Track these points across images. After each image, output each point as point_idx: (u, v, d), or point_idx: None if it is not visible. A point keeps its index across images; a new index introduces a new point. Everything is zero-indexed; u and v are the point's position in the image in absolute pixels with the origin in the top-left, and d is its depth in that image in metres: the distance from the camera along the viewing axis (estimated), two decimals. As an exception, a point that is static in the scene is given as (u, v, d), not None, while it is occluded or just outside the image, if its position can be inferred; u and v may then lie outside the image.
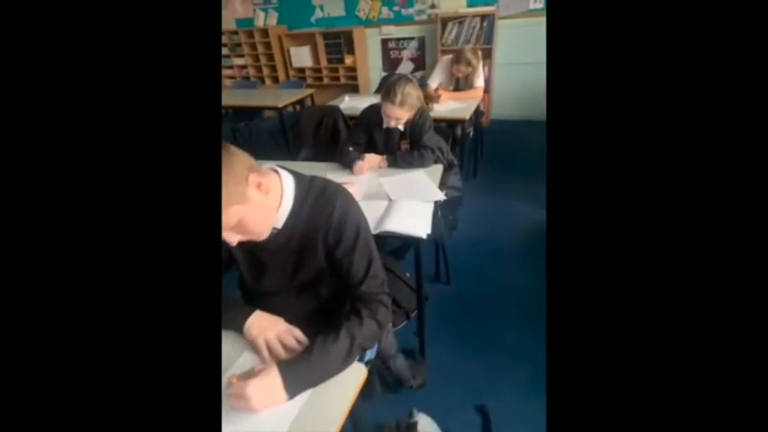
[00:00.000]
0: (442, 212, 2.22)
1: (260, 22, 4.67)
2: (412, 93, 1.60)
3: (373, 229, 1.22)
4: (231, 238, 0.76)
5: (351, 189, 1.38)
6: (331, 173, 1.67)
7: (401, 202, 1.36)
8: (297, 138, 2.63)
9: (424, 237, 1.20)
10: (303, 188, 0.86)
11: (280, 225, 0.84)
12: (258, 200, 0.75)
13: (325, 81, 4.55)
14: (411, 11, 4.13)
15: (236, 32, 4.65)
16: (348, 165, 1.66)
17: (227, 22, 4.80)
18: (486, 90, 3.95)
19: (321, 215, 0.84)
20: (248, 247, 0.84)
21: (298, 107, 3.47)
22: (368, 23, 4.31)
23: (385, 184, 1.54)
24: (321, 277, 0.90)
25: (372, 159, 1.69)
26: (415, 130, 1.72)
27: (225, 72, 4.97)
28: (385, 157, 1.69)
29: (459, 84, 2.77)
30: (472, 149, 2.96)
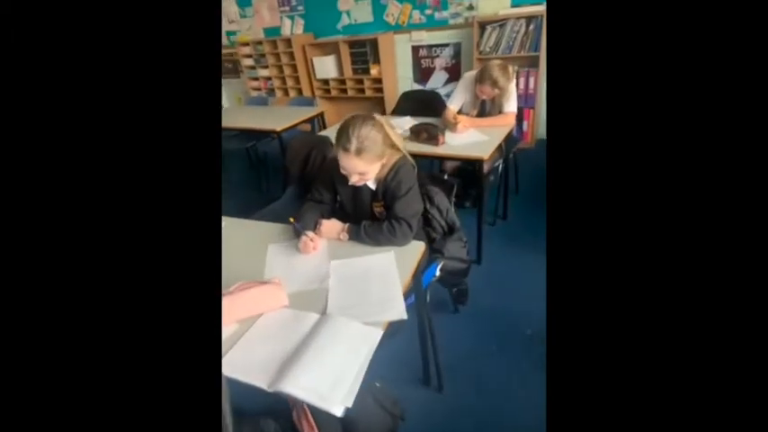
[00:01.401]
0: (443, 285, 1.72)
1: (286, 30, 4.40)
2: (374, 137, 1.13)
3: (269, 383, 0.78)
4: None
5: (266, 292, 0.93)
6: (278, 242, 1.25)
7: (333, 322, 0.90)
8: (285, 172, 2.26)
9: (336, 413, 0.72)
10: None
11: None
12: None
13: (350, 93, 4.15)
14: (445, 14, 3.59)
15: (260, 42, 4.41)
16: (296, 235, 1.23)
17: (256, 32, 4.60)
18: (532, 106, 3.31)
19: None
20: None
21: (309, 127, 3.11)
22: (397, 29, 3.84)
23: (332, 275, 1.08)
24: None
25: (330, 229, 1.24)
26: (387, 192, 1.24)
27: (251, 84, 4.77)
28: (347, 226, 1.23)
29: (486, 107, 2.21)
30: (501, 187, 2.39)
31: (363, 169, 1.16)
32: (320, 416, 0.94)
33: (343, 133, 1.13)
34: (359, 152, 1.11)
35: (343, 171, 1.19)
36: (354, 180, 1.20)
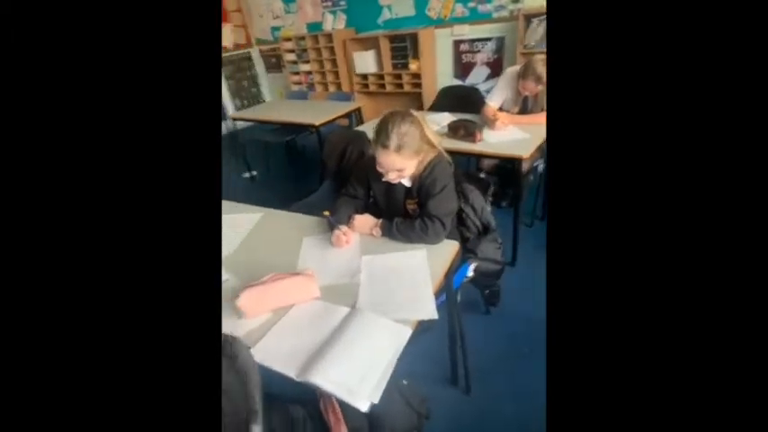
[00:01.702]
0: (475, 286, 1.68)
1: (328, 25, 4.45)
2: (412, 134, 1.12)
3: (297, 372, 0.80)
4: None
5: (299, 284, 0.95)
6: (312, 235, 1.28)
7: (363, 317, 0.90)
8: (322, 166, 2.30)
9: (362, 408, 0.73)
10: None
11: None
12: None
13: (389, 89, 4.15)
14: (489, 7, 3.48)
15: (302, 38, 4.50)
16: (330, 228, 1.25)
17: (299, 27, 4.69)
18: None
19: None
20: None
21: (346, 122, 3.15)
22: (439, 23, 3.78)
23: (363, 270, 1.09)
24: None
25: (363, 224, 1.25)
26: (422, 189, 1.22)
27: (292, 78, 4.88)
28: (380, 222, 1.23)
29: (528, 104, 2.13)
30: (542, 186, 2.30)
31: (401, 166, 1.15)
32: (347, 408, 0.96)
33: (383, 130, 1.12)
34: (398, 149, 1.11)
35: (380, 168, 1.19)
36: (392, 177, 1.20)
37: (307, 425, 1.09)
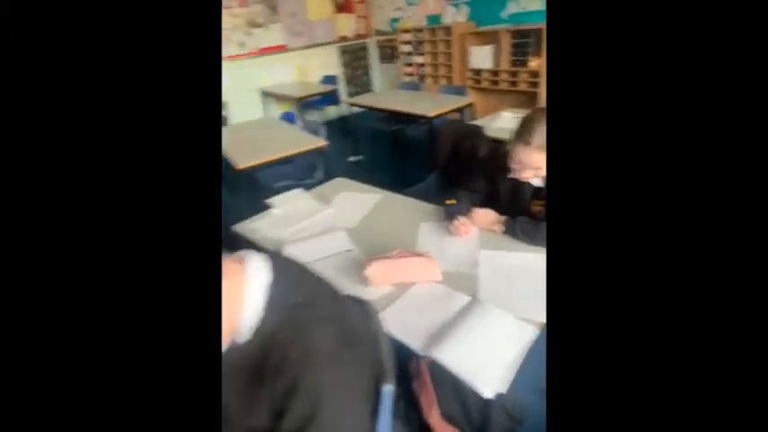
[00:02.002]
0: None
1: (448, 17, 4.43)
2: None
3: (422, 346, 0.84)
4: None
5: (422, 264, 1.01)
6: (429, 221, 1.32)
7: (486, 308, 0.91)
8: (433, 158, 2.32)
9: (486, 395, 0.74)
10: (277, 294, 0.60)
11: (243, 338, 0.59)
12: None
13: (502, 86, 4.00)
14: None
15: (420, 30, 4.55)
16: (449, 217, 1.26)
17: (419, 19, 4.75)
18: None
19: (275, 351, 0.56)
20: None
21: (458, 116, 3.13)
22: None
23: (482, 263, 1.09)
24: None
25: (483, 218, 1.24)
26: (554, 191, 1.17)
27: (404, 69, 4.98)
28: (504, 219, 1.21)
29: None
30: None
31: (540, 164, 1.11)
32: (441, 392, 0.97)
33: (526, 127, 1.10)
34: (541, 147, 1.07)
35: (515, 165, 1.16)
36: (527, 175, 1.16)
37: (400, 403, 1.14)
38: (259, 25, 4.58)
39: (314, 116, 4.71)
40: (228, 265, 0.59)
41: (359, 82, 5.61)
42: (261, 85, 4.74)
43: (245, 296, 0.58)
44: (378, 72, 5.68)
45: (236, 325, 0.58)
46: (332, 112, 5.16)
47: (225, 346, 0.60)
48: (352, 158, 3.82)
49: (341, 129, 4.68)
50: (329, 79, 4.89)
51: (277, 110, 4.81)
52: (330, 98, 4.54)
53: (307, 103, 4.37)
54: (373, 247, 1.20)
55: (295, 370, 0.53)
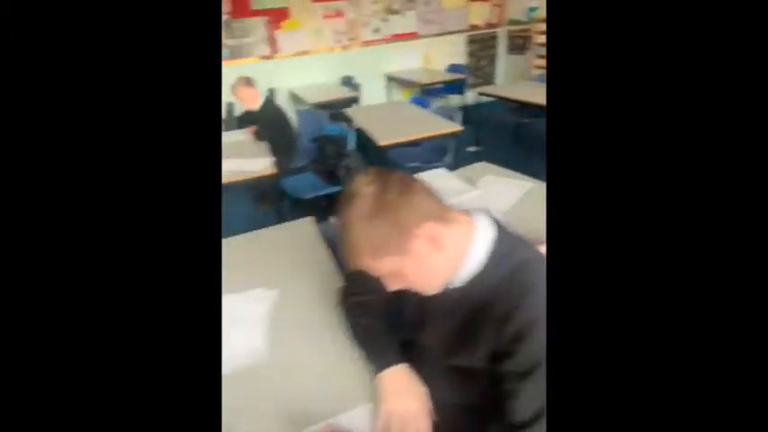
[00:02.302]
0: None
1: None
2: None
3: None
4: (388, 283, 0.64)
5: None
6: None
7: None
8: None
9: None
10: (503, 249, 0.64)
11: (457, 284, 0.66)
12: (425, 255, 0.59)
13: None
14: None
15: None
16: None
17: (559, 8, 4.45)
18: None
19: (503, 300, 0.60)
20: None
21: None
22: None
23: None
24: (475, 376, 0.67)
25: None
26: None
27: (535, 62, 4.73)
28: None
29: None
30: None
31: None
32: None
33: None
34: None
35: None
36: None
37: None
38: (396, 12, 4.75)
39: (438, 103, 4.77)
40: (457, 215, 0.65)
41: (481, 73, 5.48)
42: (387, 71, 4.94)
43: (471, 246, 0.64)
44: (503, 63, 5.49)
45: (455, 272, 0.65)
46: (454, 101, 5.16)
47: (438, 291, 0.67)
48: (471, 148, 3.80)
49: (463, 118, 4.66)
50: (456, 68, 4.88)
51: (398, 95, 4.97)
52: (455, 87, 4.54)
53: (429, 90, 4.43)
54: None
55: (524, 320, 0.58)
